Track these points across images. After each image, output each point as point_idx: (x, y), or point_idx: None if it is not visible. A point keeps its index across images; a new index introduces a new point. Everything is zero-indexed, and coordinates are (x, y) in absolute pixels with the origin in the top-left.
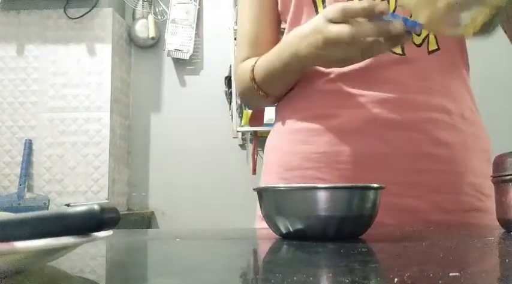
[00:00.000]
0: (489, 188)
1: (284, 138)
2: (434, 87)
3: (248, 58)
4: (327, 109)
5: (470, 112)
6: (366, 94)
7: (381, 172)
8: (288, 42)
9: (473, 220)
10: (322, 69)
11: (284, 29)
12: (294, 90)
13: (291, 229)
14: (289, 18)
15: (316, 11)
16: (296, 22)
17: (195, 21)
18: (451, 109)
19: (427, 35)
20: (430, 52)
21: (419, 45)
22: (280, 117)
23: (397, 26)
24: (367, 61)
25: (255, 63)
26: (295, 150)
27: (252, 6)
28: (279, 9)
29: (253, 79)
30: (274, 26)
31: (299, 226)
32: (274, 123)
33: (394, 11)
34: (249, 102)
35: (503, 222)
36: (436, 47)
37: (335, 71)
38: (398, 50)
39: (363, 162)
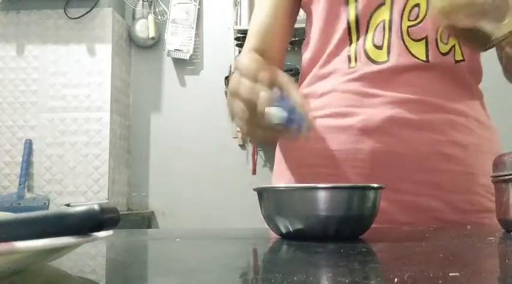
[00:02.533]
0: None
1: None
2: (453, 93)
3: (254, 48)
4: (346, 107)
5: (484, 116)
6: (385, 95)
7: (397, 170)
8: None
9: (486, 220)
10: (341, 67)
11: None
12: (312, 88)
13: (291, 229)
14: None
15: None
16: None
17: (195, 21)
18: (467, 112)
19: (454, 45)
20: (456, 62)
21: (445, 54)
22: None
23: (263, 102)
24: (390, 64)
25: None
26: (312, 147)
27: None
28: None
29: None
30: (288, 22)
31: (299, 226)
32: None
33: None
34: None
35: (503, 222)
36: (462, 58)
37: (356, 71)
38: (422, 56)
39: (380, 160)
